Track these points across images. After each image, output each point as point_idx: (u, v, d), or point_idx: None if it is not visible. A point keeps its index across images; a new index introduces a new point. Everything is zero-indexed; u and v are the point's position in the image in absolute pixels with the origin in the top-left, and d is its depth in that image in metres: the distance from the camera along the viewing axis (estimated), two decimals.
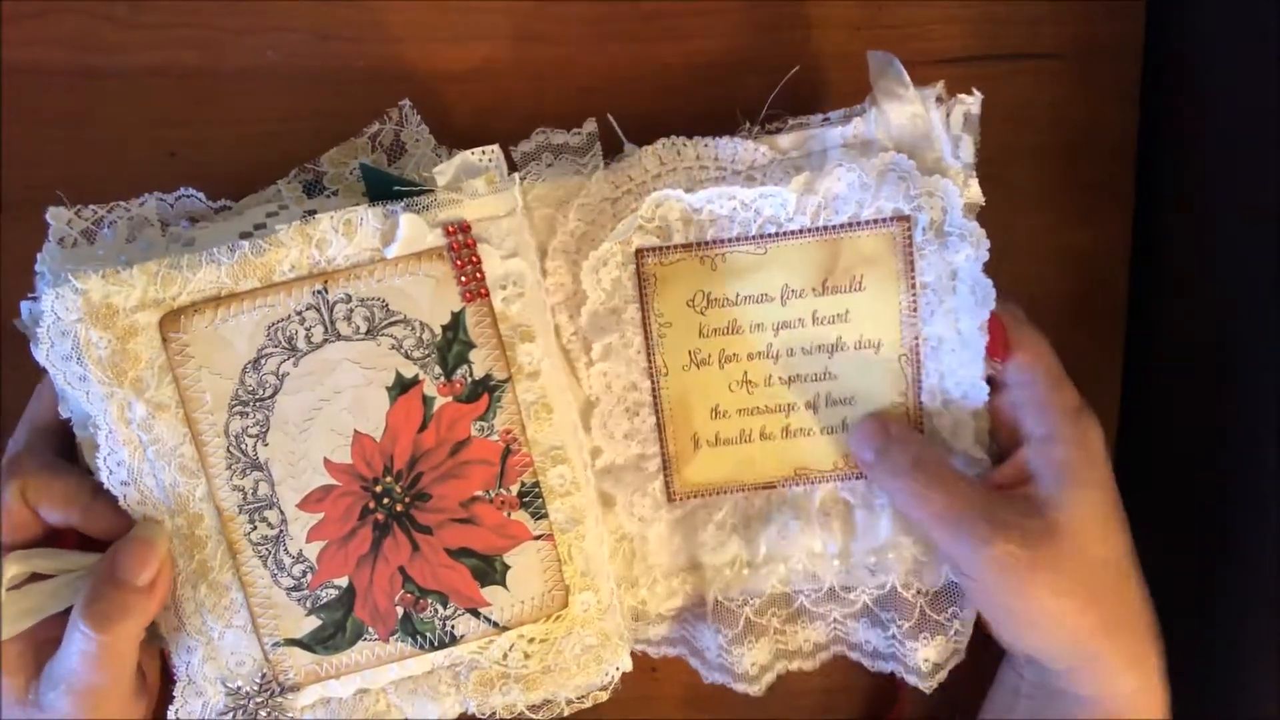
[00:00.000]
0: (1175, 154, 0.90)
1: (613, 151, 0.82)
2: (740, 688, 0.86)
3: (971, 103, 0.79)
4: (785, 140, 0.81)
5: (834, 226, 0.80)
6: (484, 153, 0.76)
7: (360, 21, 0.81)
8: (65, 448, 0.77)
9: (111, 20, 0.79)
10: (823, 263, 0.81)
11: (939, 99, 0.79)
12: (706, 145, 0.80)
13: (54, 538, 0.76)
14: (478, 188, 0.75)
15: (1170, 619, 0.89)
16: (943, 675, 0.86)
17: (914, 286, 0.81)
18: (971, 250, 0.80)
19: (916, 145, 0.79)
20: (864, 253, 0.80)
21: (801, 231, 0.80)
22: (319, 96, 0.81)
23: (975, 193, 0.80)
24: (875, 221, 0.80)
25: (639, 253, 0.81)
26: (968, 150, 0.80)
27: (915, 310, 0.81)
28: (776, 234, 0.80)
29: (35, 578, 0.73)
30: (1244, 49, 0.83)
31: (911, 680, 0.86)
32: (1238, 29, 0.83)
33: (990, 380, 0.80)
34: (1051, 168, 0.90)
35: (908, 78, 0.78)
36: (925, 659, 0.85)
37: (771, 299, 0.81)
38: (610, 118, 0.82)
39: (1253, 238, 0.81)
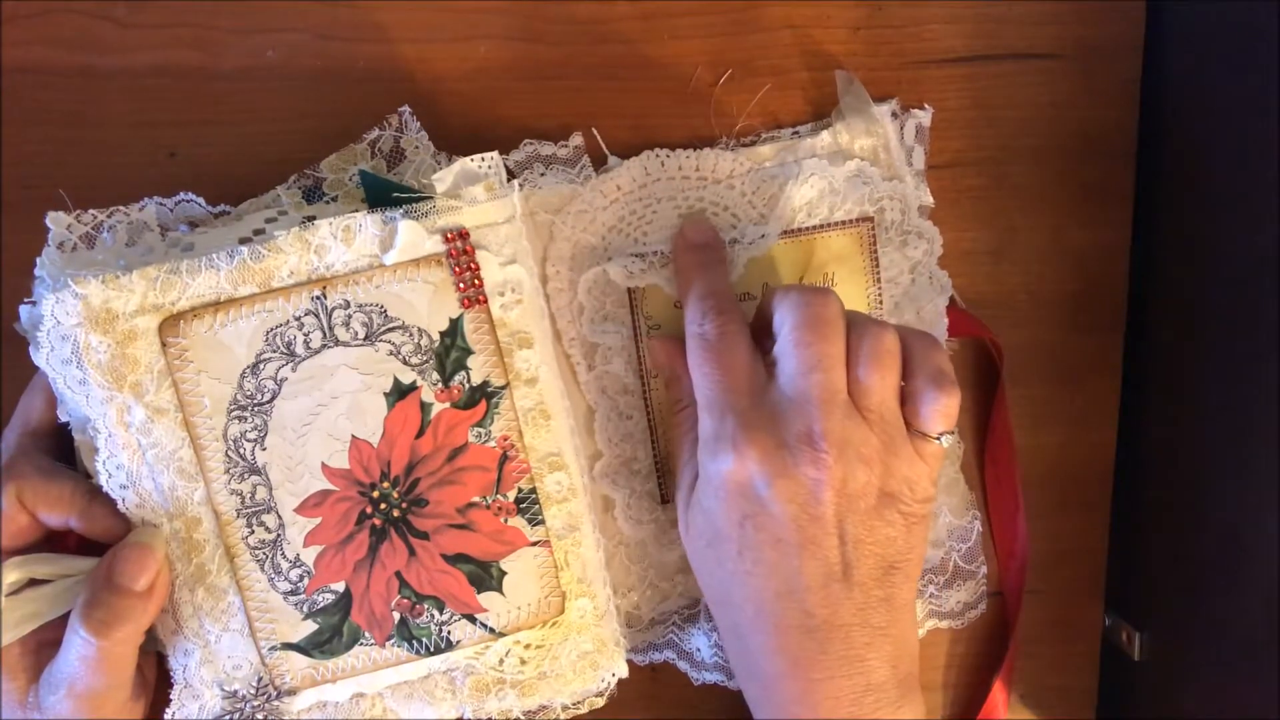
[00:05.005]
0: (1175, 154, 0.90)
1: (601, 159, 0.84)
2: (734, 685, 0.87)
3: (922, 116, 0.86)
4: (762, 151, 0.85)
5: (808, 228, 0.84)
6: (483, 159, 0.76)
7: (360, 22, 0.81)
8: (59, 451, 0.77)
9: (111, 20, 0.79)
10: (799, 261, 0.84)
11: (894, 113, 0.85)
12: (689, 157, 0.83)
13: (52, 540, 0.76)
14: (477, 195, 0.75)
15: (1171, 619, 0.89)
16: (974, 615, 0.93)
17: (879, 280, 0.86)
18: (928, 245, 0.86)
19: (877, 153, 0.85)
20: (835, 251, 0.85)
21: (779, 233, 0.83)
22: (319, 97, 0.81)
23: (927, 196, 0.87)
24: (844, 223, 0.84)
25: (628, 258, 0.82)
26: (919, 158, 0.86)
27: (881, 302, 0.86)
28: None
29: (34, 583, 0.74)
30: (1244, 49, 0.82)
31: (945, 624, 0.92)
32: (1237, 29, 0.83)
33: None
34: (1051, 168, 0.90)
35: (867, 94, 0.85)
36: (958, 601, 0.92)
37: (754, 297, 0.84)
38: (594, 131, 0.83)
39: (1253, 238, 0.81)
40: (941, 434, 0.75)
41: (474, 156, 0.76)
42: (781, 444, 0.71)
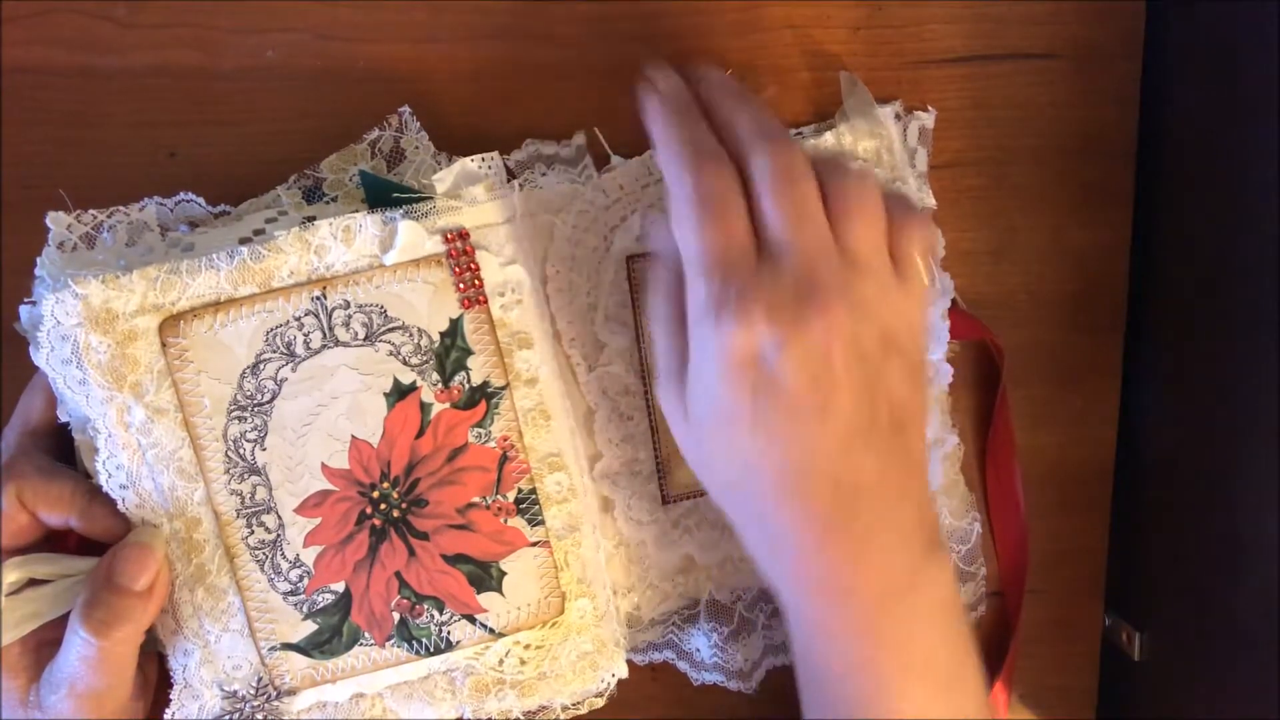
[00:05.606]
0: (1175, 154, 0.90)
1: (604, 159, 0.83)
2: (734, 685, 0.87)
3: (925, 118, 0.85)
4: None
5: None
6: (483, 159, 0.76)
7: (360, 22, 0.81)
8: (58, 451, 0.77)
9: (111, 20, 0.79)
10: None
11: (897, 115, 0.85)
12: None
13: (52, 540, 0.76)
14: (477, 195, 0.75)
15: (1171, 619, 0.89)
16: (974, 616, 0.93)
17: None
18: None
19: (880, 155, 0.84)
20: None
21: None
22: (319, 97, 0.81)
23: (929, 198, 0.86)
24: None
25: (629, 259, 0.82)
26: (922, 160, 0.85)
27: None
28: None
29: (34, 582, 0.74)
30: (1244, 48, 0.83)
31: None
32: (1237, 29, 0.83)
33: None
34: (1051, 168, 0.90)
35: (871, 96, 0.84)
36: None
37: None
38: (596, 131, 0.83)
39: (1253, 238, 0.81)
40: (926, 272, 0.73)
41: (474, 156, 0.76)
42: (785, 304, 0.67)
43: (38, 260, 0.74)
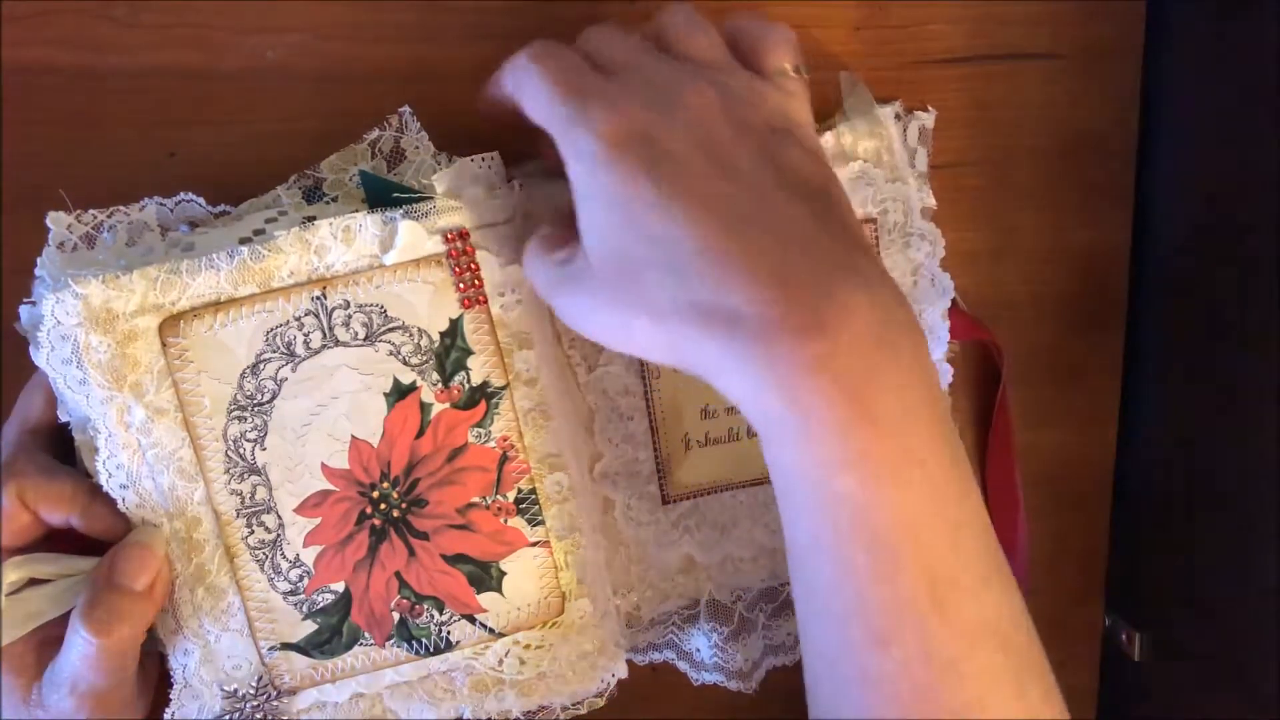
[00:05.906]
0: (1175, 154, 0.90)
1: None
2: (734, 685, 0.87)
3: (925, 118, 0.85)
4: None
5: None
6: (483, 159, 0.76)
7: (360, 22, 0.81)
8: (58, 450, 0.77)
9: (111, 20, 0.79)
10: None
11: (897, 115, 0.84)
12: None
13: (53, 538, 0.76)
14: (477, 195, 0.75)
15: (1171, 619, 0.89)
16: None
17: None
18: (930, 248, 0.85)
19: (880, 155, 0.83)
20: None
21: None
22: (319, 97, 0.81)
23: (929, 198, 0.85)
24: None
25: None
26: (922, 160, 0.85)
27: None
28: None
29: (34, 582, 0.74)
30: (1244, 49, 0.83)
31: None
32: (1237, 29, 0.83)
33: None
34: (1051, 168, 0.90)
35: (871, 96, 0.84)
36: None
37: None
38: None
39: (1253, 237, 0.81)
40: (794, 67, 0.72)
41: (474, 156, 0.76)
42: (649, 90, 0.65)
43: (38, 260, 0.74)
